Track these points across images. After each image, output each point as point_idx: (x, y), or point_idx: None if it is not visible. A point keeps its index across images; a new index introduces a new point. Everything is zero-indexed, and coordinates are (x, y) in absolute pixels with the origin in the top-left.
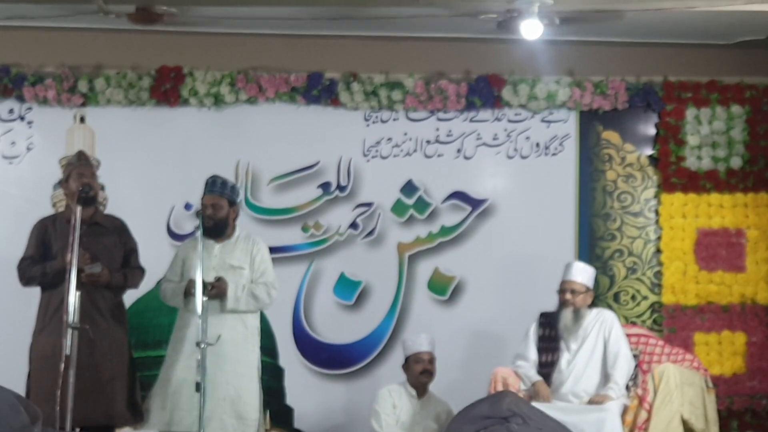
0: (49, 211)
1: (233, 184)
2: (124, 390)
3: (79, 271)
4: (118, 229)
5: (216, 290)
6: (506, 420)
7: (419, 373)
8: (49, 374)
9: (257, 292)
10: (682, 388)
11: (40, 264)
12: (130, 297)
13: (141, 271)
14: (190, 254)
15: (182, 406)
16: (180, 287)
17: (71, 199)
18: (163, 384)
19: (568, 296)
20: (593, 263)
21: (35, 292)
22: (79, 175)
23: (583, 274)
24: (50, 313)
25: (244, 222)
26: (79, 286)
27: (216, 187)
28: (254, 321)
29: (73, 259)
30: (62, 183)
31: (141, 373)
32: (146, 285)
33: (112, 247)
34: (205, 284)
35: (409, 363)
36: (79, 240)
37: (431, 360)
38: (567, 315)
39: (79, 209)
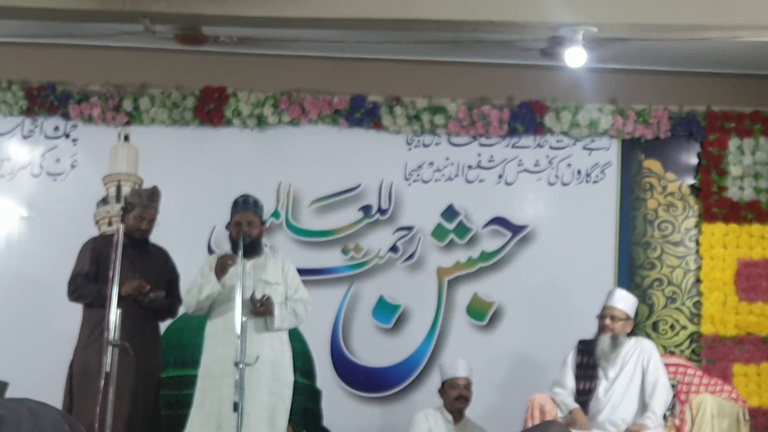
0: (91, 228)
1: (261, 202)
2: (151, 410)
3: (141, 293)
4: (164, 258)
5: (264, 308)
6: None
7: (455, 398)
8: (90, 390)
9: (298, 309)
10: (718, 419)
11: (94, 284)
12: None
13: (179, 302)
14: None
15: (229, 425)
16: (207, 278)
17: (125, 222)
18: (210, 404)
19: (608, 321)
20: (632, 291)
21: (78, 308)
22: (142, 216)
23: (624, 301)
24: (97, 331)
25: (284, 243)
26: (120, 303)
27: (249, 204)
28: (287, 337)
29: (116, 276)
30: (124, 210)
31: (179, 391)
32: None
33: (160, 274)
34: (252, 301)
35: (445, 388)
36: (132, 264)
37: (467, 386)
38: (605, 340)
39: (121, 227)
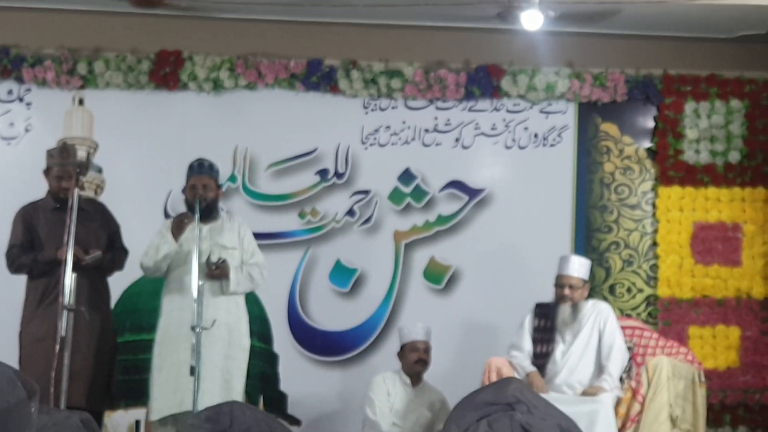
0: (45, 193)
1: (217, 166)
2: (105, 374)
3: (79, 261)
4: (100, 212)
5: (219, 271)
6: (510, 406)
7: (414, 361)
8: (41, 358)
9: (254, 273)
10: (673, 381)
11: (30, 252)
12: (124, 280)
13: (125, 252)
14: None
15: (186, 388)
16: (164, 238)
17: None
18: (167, 368)
19: (567, 291)
20: (589, 255)
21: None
22: (60, 174)
23: (580, 268)
24: (41, 301)
25: (240, 207)
26: (74, 268)
27: (204, 168)
28: (243, 302)
29: (70, 240)
30: (46, 173)
31: (135, 356)
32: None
33: (97, 230)
34: (208, 264)
35: (404, 351)
36: (66, 226)
37: (426, 349)
38: (565, 310)
39: (76, 192)
